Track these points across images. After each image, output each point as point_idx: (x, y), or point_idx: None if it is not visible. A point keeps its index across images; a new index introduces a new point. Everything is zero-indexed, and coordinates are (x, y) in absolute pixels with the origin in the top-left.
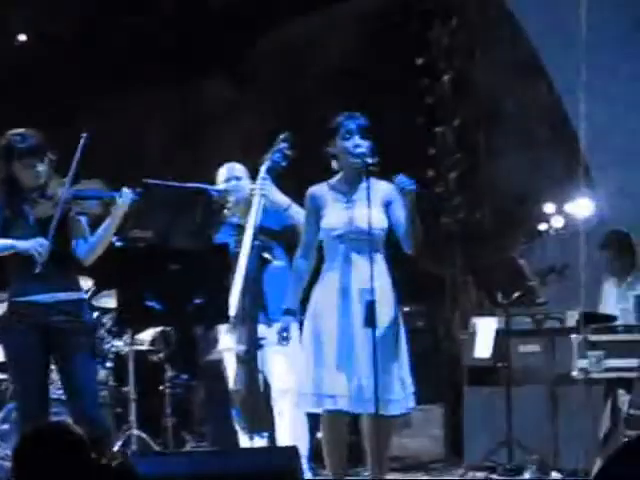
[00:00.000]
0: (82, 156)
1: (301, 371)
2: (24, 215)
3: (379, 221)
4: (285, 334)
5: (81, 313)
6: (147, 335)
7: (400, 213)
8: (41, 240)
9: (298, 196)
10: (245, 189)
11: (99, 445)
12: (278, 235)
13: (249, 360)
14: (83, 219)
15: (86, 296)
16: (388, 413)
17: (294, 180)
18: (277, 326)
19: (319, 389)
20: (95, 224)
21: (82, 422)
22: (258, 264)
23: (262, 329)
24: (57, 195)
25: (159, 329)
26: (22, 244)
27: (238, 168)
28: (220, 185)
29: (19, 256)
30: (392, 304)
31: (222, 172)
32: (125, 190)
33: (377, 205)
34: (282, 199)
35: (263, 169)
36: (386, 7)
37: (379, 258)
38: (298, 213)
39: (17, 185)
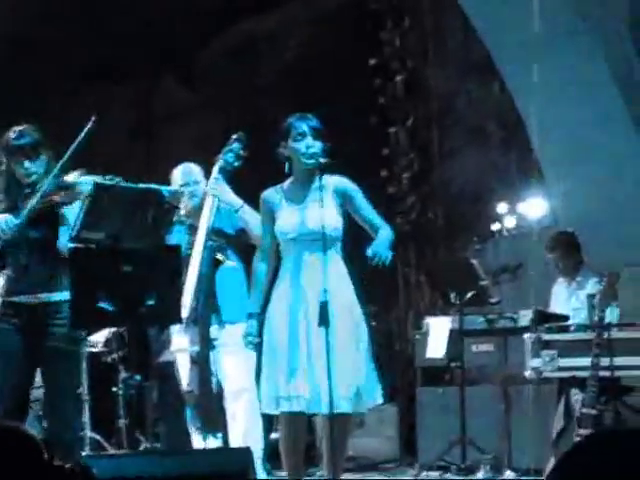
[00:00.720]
0: (76, 148)
1: (260, 372)
2: (18, 210)
3: (333, 221)
4: (250, 338)
5: (59, 315)
6: (100, 336)
7: (361, 209)
8: (10, 218)
9: (255, 197)
10: (202, 192)
11: (70, 449)
12: (230, 238)
13: (202, 361)
14: (70, 210)
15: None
16: (342, 411)
17: (250, 181)
18: (236, 328)
19: (276, 391)
20: None
21: (59, 424)
22: (211, 265)
23: (215, 330)
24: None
25: (112, 330)
26: None
27: (195, 170)
28: (176, 187)
29: (8, 253)
30: (351, 303)
31: (178, 174)
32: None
33: (331, 204)
34: (234, 200)
35: (215, 169)
36: (338, 7)
37: (336, 258)
38: (250, 215)
39: (14, 180)
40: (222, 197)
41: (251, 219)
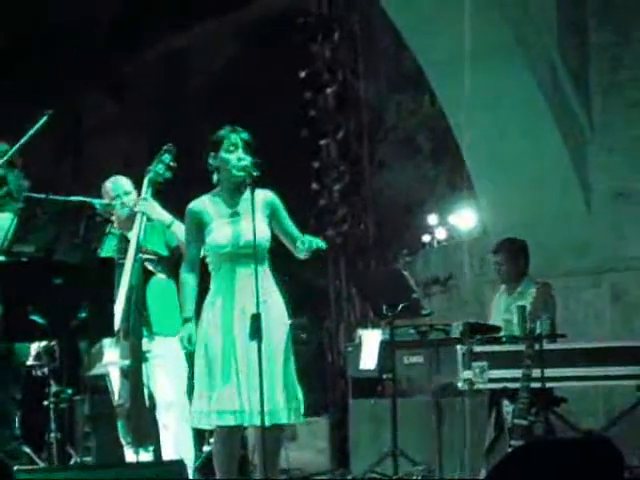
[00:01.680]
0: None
1: (192, 386)
2: None
3: (263, 232)
4: (186, 343)
5: None
6: (31, 350)
7: (286, 220)
8: None
9: (183, 210)
10: (132, 202)
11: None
12: (164, 258)
13: (133, 374)
14: None
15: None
16: (275, 423)
17: (179, 194)
18: (167, 341)
19: (208, 406)
20: None
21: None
22: (141, 277)
23: (146, 342)
24: None
25: (43, 343)
26: None
27: (125, 182)
28: (107, 199)
29: None
30: (283, 315)
31: (109, 186)
32: None
33: (260, 216)
34: (164, 217)
35: (146, 181)
36: (267, 21)
37: (266, 271)
38: (181, 230)
39: None
40: (152, 215)
41: (182, 235)
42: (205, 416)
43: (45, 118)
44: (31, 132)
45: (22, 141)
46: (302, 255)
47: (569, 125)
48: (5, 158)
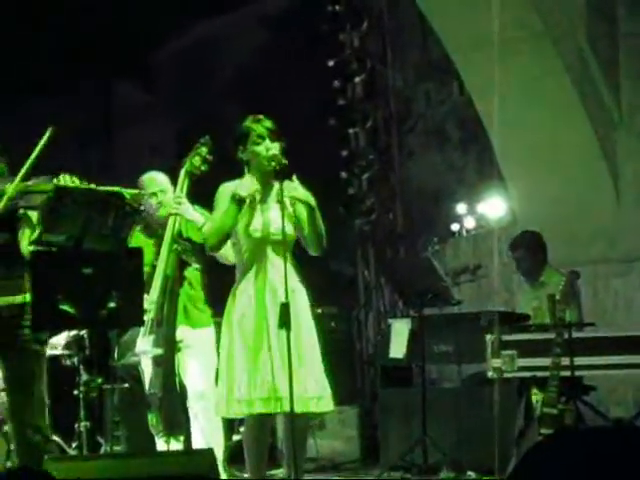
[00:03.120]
0: (38, 154)
1: (221, 375)
2: None
3: (291, 223)
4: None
5: (25, 317)
6: (61, 339)
7: (303, 216)
8: None
9: (209, 199)
10: (169, 201)
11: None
12: (197, 244)
13: (166, 363)
14: (33, 214)
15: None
16: (304, 411)
17: (207, 183)
18: (200, 331)
19: (237, 394)
20: None
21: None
22: (177, 267)
23: (178, 333)
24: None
25: (73, 333)
26: None
27: (161, 179)
28: (143, 195)
29: None
30: (307, 305)
31: (145, 185)
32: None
33: (288, 207)
34: (197, 219)
35: (182, 174)
36: (295, 9)
37: (294, 261)
38: None
39: None
40: (186, 217)
41: None
42: (234, 404)
43: (48, 134)
44: (37, 150)
45: (29, 162)
46: (312, 251)
47: (598, 113)
48: (18, 178)
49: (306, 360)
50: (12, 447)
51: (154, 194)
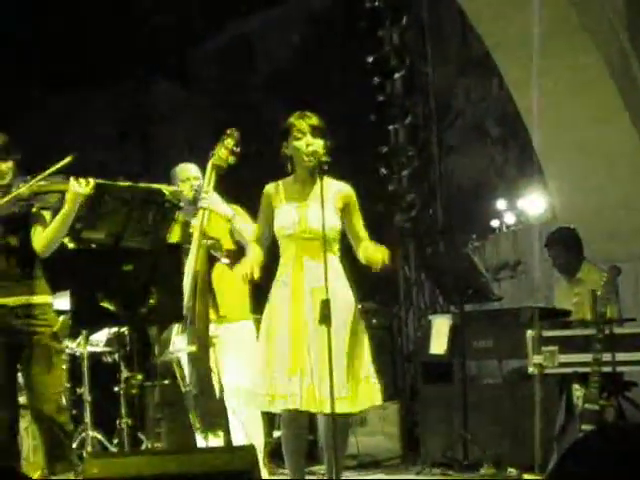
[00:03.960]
0: (58, 169)
1: (256, 370)
2: None
3: (332, 221)
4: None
5: (45, 317)
6: (101, 336)
7: (354, 218)
8: None
9: (250, 196)
10: (199, 187)
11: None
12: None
13: (201, 360)
14: (47, 214)
15: (51, 299)
16: (342, 411)
17: (247, 180)
18: (234, 326)
19: (274, 389)
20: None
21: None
22: (206, 263)
23: (213, 328)
24: (19, 192)
25: (113, 330)
26: None
27: (190, 168)
28: (174, 186)
29: None
30: (350, 303)
31: (177, 173)
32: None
33: (330, 205)
34: (225, 211)
35: (209, 167)
36: (333, 6)
37: (332, 258)
38: (241, 225)
39: None
40: (214, 210)
41: (242, 229)
42: (271, 400)
43: (68, 160)
44: (51, 169)
45: (39, 177)
46: (362, 260)
47: (638, 109)
48: (34, 180)
49: (347, 358)
50: (31, 443)
51: (183, 181)
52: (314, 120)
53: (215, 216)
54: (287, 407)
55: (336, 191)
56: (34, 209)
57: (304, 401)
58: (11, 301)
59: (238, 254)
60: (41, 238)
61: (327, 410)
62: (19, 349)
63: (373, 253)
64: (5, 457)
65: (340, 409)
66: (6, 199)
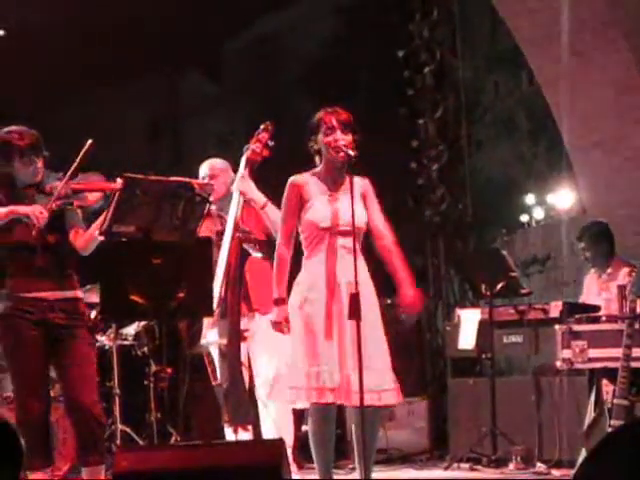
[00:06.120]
0: (83, 158)
1: (289, 364)
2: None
3: (362, 216)
4: (281, 325)
5: (81, 310)
6: (131, 329)
7: (376, 210)
8: (40, 207)
9: (280, 190)
10: (226, 185)
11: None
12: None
13: (232, 353)
14: (79, 211)
15: (82, 294)
16: (377, 404)
17: (276, 174)
18: (266, 319)
19: (308, 382)
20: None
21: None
22: (239, 256)
23: (245, 321)
24: (55, 189)
25: (143, 323)
26: (22, 208)
27: (218, 163)
28: (204, 180)
29: (20, 251)
30: (374, 297)
31: (204, 168)
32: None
33: (358, 200)
34: (259, 198)
35: (243, 160)
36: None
37: (361, 253)
38: (274, 213)
39: (15, 181)
40: (247, 194)
41: (275, 217)
42: (301, 393)
43: (88, 146)
44: (78, 162)
45: (71, 171)
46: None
47: None
48: (66, 191)
49: (377, 352)
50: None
51: (213, 176)
52: (344, 115)
53: (248, 208)
54: (322, 400)
55: (359, 186)
56: (70, 207)
57: (338, 394)
58: (50, 295)
59: (268, 246)
60: (84, 237)
61: (358, 404)
62: (56, 342)
63: (410, 296)
64: (39, 445)
65: (372, 402)
66: (53, 200)
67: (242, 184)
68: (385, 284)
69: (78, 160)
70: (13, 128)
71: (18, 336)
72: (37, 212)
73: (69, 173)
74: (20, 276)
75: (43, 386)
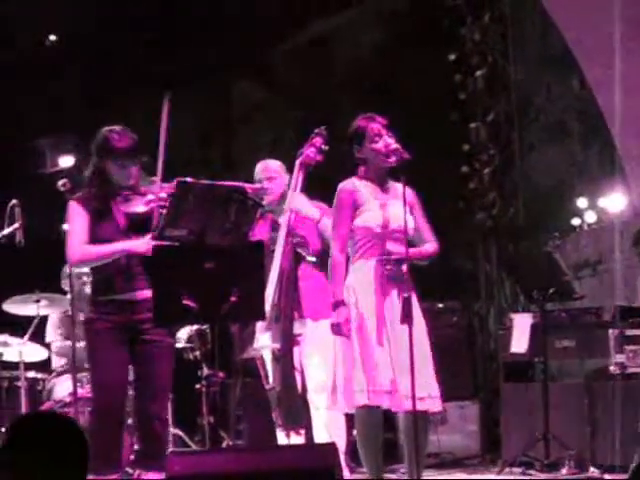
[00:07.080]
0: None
1: (344, 368)
2: (111, 211)
3: (410, 222)
4: (343, 326)
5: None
6: (183, 333)
7: (420, 217)
8: (147, 239)
9: (328, 192)
10: (280, 187)
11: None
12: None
13: (285, 357)
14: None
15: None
16: (429, 410)
17: (325, 177)
18: (318, 324)
19: (364, 386)
20: None
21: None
22: (293, 261)
23: (297, 326)
24: (150, 192)
25: (195, 327)
26: (135, 246)
27: (273, 165)
28: (256, 182)
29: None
30: (417, 304)
31: (258, 170)
32: None
33: (407, 206)
34: (313, 213)
35: (297, 164)
36: (415, 3)
37: None
38: (328, 226)
39: (108, 181)
40: (301, 212)
41: (329, 230)
42: (351, 397)
43: (166, 100)
44: (163, 123)
45: (161, 160)
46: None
47: None
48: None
49: (427, 358)
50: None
51: (268, 179)
52: (384, 121)
53: (301, 216)
54: (376, 403)
55: (407, 194)
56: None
57: (391, 399)
58: (137, 295)
59: (324, 253)
60: None
61: (409, 408)
62: (141, 344)
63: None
64: (112, 450)
65: (423, 407)
66: (155, 202)
67: (295, 201)
68: (437, 288)
69: (161, 164)
70: (116, 128)
71: (100, 339)
72: (146, 246)
73: (159, 177)
74: (103, 278)
75: (123, 391)
